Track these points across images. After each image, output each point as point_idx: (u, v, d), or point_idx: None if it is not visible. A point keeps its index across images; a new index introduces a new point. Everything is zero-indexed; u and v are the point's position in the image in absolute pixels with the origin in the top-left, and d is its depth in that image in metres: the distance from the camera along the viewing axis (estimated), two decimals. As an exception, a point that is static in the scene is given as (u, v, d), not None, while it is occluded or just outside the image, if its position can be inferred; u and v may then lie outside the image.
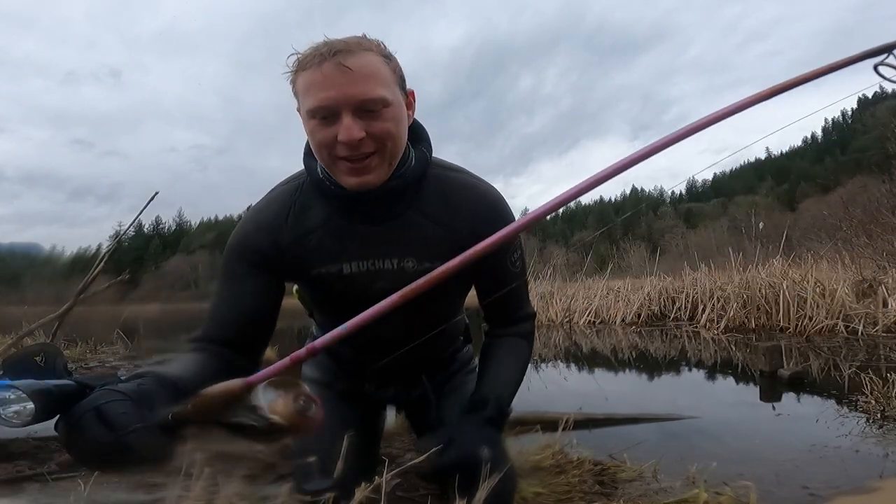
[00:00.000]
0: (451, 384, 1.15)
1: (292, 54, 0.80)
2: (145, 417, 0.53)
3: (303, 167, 0.96)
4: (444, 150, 0.96)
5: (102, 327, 6.75)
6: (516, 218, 0.96)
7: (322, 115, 0.75)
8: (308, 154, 0.90)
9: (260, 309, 0.90)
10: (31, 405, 0.50)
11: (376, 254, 0.90)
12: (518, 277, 0.96)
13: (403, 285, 0.92)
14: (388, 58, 0.80)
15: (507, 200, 0.97)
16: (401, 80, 0.83)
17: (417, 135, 0.91)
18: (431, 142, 0.92)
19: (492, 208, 0.91)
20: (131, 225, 7.01)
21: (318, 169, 0.86)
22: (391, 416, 1.41)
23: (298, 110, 0.86)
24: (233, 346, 0.86)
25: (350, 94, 0.74)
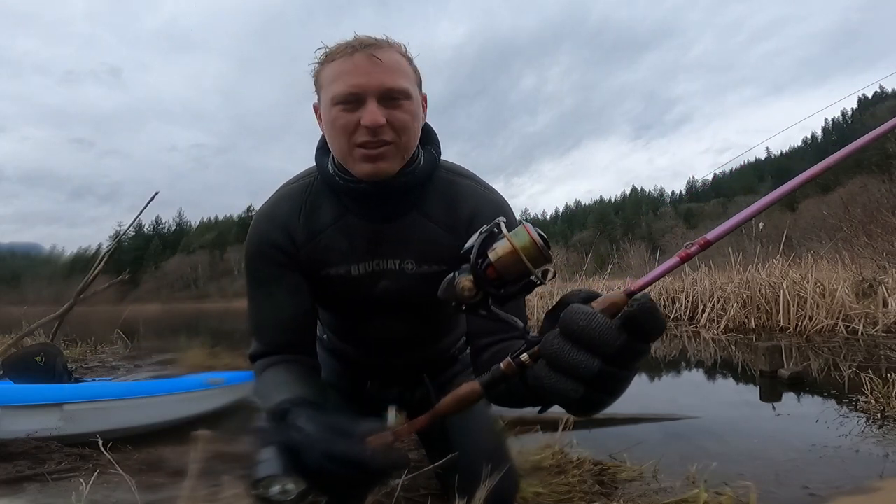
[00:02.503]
0: (454, 385, 1.15)
1: (320, 48, 0.82)
2: (360, 443, 0.56)
3: (303, 169, 0.96)
4: (446, 150, 0.95)
5: (102, 327, 6.76)
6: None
7: (347, 101, 0.78)
8: (320, 149, 0.91)
9: (302, 305, 0.92)
10: (292, 486, 0.54)
11: (380, 253, 0.91)
12: None
13: (404, 286, 0.93)
14: (410, 59, 0.84)
15: (509, 200, 0.96)
16: (419, 82, 0.86)
17: (428, 137, 0.92)
18: (440, 145, 0.93)
19: (495, 215, 0.91)
20: (131, 225, 7.02)
21: (329, 165, 0.87)
22: (393, 417, 1.41)
23: (316, 106, 0.87)
24: (296, 347, 0.91)
25: (377, 82, 0.77)
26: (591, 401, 0.49)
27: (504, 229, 0.55)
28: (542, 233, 0.54)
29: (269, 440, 0.57)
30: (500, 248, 0.53)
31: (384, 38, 0.82)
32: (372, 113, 0.77)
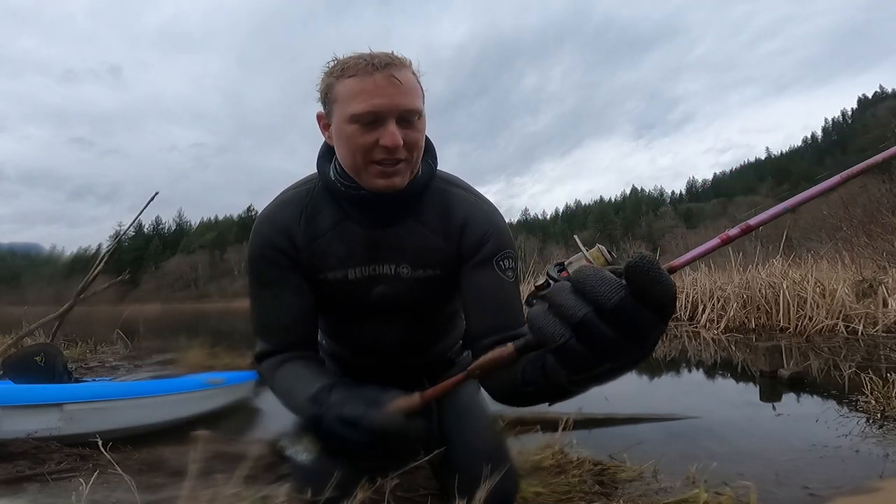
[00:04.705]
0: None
1: (330, 60, 0.84)
2: (377, 408, 0.59)
3: (304, 168, 0.98)
4: (447, 151, 0.94)
5: (102, 327, 6.75)
6: (511, 232, 0.98)
7: (367, 121, 0.79)
8: (322, 157, 0.93)
9: (305, 306, 0.94)
10: (306, 446, 0.61)
11: (377, 259, 0.93)
12: (510, 287, 0.92)
13: (400, 290, 0.96)
14: (418, 76, 0.86)
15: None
16: (424, 97, 0.88)
17: (426, 148, 0.94)
18: (437, 156, 0.96)
19: (487, 224, 0.94)
20: (131, 225, 7.01)
21: (331, 172, 0.89)
22: None
23: (320, 115, 0.88)
24: (302, 346, 0.93)
25: (398, 104, 0.79)
26: (575, 353, 0.46)
27: (580, 244, 0.62)
28: (610, 251, 0.62)
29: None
30: (573, 256, 0.62)
31: (394, 54, 0.83)
32: (392, 134, 0.79)
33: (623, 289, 0.44)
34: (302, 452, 0.60)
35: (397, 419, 0.57)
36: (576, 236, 0.62)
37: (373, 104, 0.78)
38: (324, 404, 0.64)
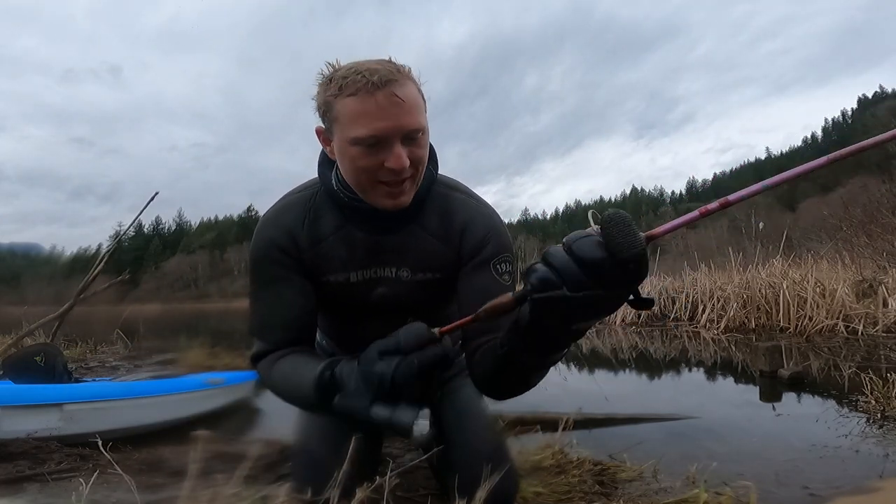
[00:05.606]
0: (449, 387, 1.16)
1: (326, 69, 0.81)
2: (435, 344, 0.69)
3: (304, 166, 0.98)
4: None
5: (102, 327, 6.75)
6: (510, 236, 0.98)
7: (371, 143, 0.78)
8: (322, 164, 0.93)
9: (308, 305, 0.94)
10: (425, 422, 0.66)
11: (378, 262, 0.94)
12: (506, 291, 0.93)
13: (400, 292, 0.97)
14: (419, 85, 0.84)
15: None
16: (426, 105, 0.86)
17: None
18: (438, 160, 0.96)
19: (486, 227, 0.94)
20: (131, 225, 7.02)
21: (333, 181, 0.90)
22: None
23: (319, 130, 0.87)
24: (301, 345, 0.93)
25: (402, 125, 0.78)
26: (561, 298, 0.54)
27: (591, 220, 0.65)
28: None
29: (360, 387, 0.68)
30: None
31: (392, 63, 0.80)
32: (398, 157, 0.78)
33: (604, 250, 0.52)
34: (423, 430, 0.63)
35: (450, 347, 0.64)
36: (590, 213, 0.64)
37: (376, 128, 0.76)
38: (370, 361, 0.68)
